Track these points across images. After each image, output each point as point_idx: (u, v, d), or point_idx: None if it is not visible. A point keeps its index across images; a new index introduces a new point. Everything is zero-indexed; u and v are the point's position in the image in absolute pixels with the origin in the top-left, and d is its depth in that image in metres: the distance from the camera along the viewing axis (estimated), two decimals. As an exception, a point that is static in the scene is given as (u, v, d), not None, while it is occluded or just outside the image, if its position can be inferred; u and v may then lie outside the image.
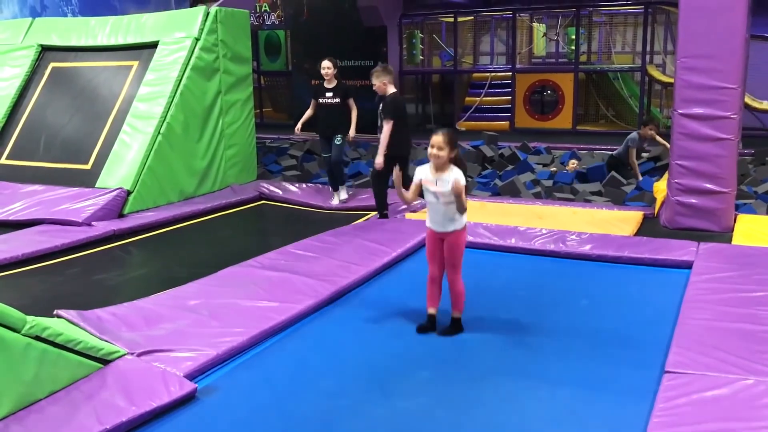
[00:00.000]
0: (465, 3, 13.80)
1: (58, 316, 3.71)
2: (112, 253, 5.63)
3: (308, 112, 7.08)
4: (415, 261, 5.10)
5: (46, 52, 8.25)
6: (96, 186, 6.78)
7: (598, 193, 7.27)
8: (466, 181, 3.81)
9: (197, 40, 7.50)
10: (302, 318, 4.05)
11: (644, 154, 8.79)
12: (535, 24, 14.08)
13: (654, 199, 6.70)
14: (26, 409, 2.89)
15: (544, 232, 5.57)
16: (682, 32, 5.60)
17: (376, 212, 6.43)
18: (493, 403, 3.12)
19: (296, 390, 3.26)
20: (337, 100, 6.84)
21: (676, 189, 5.81)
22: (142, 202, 6.75)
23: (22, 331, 2.89)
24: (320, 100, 6.95)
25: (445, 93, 13.89)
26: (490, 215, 6.17)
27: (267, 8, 14.56)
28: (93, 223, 6.09)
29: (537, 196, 7.23)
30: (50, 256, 5.39)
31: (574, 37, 12.39)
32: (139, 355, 3.37)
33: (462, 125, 13.05)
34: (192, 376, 3.27)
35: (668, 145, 8.11)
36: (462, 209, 3.78)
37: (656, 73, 12.23)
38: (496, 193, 7.33)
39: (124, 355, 3.34)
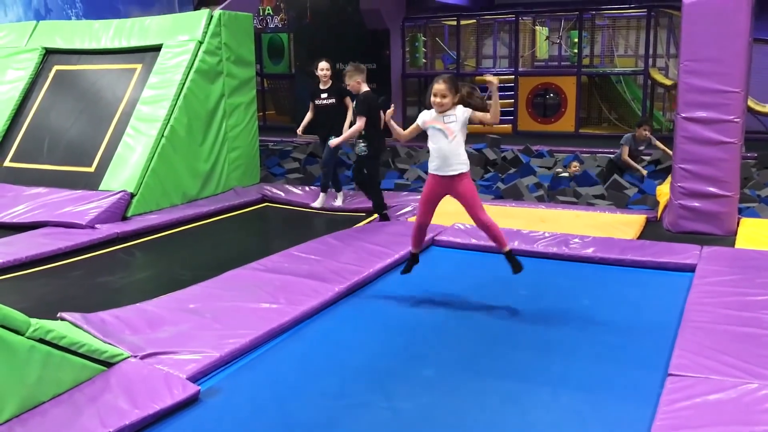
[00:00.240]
0: (468, 6, 13.81)
1: (62, 319, 3.72)
2: (116, 255, 5.64)
3: (308, 115, 7.08)
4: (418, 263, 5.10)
5: (50, 55, 8.27)
6: (99, 189, 6.80)
7: (601, 197, 7.26)
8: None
9: (201, 43, 7.52)
10: (305, 320, 4.06)
11: (645, 158, 8.78)
12: (537, 27, 14.08)
13: (657, 203, 6.70)
14: (30, 412, 2.90)
15: (546, 235, 5.56)
16: (685, 35, 5.59)
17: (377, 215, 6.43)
18: (495, 405, 3.12)
19: (299, 391, 3.26)
20: (333, 100, 6.84)
21: (679, 192, 5.80)
22: (146, 204, 6.76)
23: (26, 334, 2.90)
24: (316, 102, 6.97)
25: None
26: (493, 218, 6.14)
27: (270, 11, 14.60)
28: (96, 225, 6.10)
29: (540, 200, 7.23)
30: (54, 258, 5.40)
31: (576, 40, 12.40)
32: (143, 357, 3.38)
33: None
34: (195, 379, 3.27)
35: (665, 148, 8.13)
36: (496, 113, 4.03)
37: (659, 77, 12.23)
38: (499, 196, 7.33)
39: (128, 357, 3.34)
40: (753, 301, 4.03)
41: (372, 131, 6.16)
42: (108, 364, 3.24)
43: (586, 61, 12.95)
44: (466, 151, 4.20)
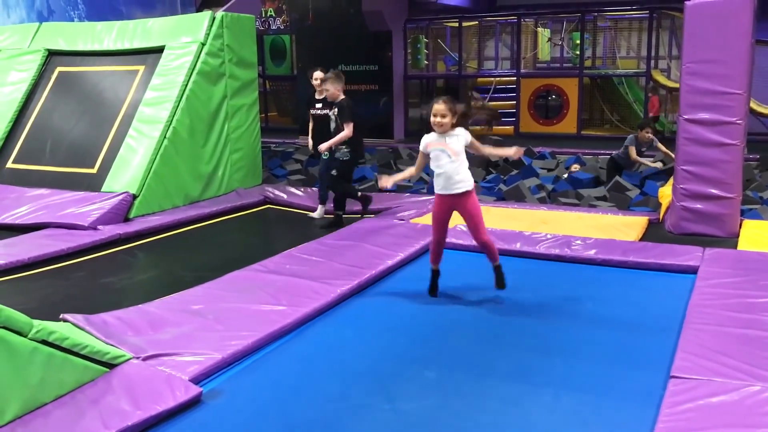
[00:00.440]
0: (470, 7, 13.82)
1: (64, 320, 3.72)
2: (118, 256, 5.65)
3: (311, 125, 7.02)
4: (419, 265, 5.10)
5: (52, 56, 8.29)
6: (102, 190, 6.81)
7: (603, 198, 7.26)
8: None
9: (203, 44, 7.53)
10: (307, 321, 4.06)
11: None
12: (539, 29, 14.10)
13: (659, 205, 6.69)
14: (32, 413, 2.90)
15: (548, 236, 5.56)
16: (687, 37, 5.59)
17: (368, 215, 6.43)
18: (498, 407, 3.11)
19: (301, 393, 3.26)
20: (326, 111, 6.64)
21: (681, 194, 5.80)
22: (148, 206, 6.77)
23: (29, 336, 2.90)
24: (311, 111, 6.94)
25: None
26: (495, 220, 6.16)
27: (272, 13, 14.63)
28: (99, 226, 6.11)
29: (542, 201, 7.23)
30: (56, 259, 5.41)
31: (578, 41, 12.40)
32: (145, 359, 3.38)
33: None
34: (197, 380, 3.28)
35: (667, 150, 8.13)
36: (492, 153, 4.38)
37: (661, 78, 12.22)
38: (501, 198, 7.32)
39: (130, 359, 3.35)
40: (755, 303, 4.03)
41: (355, 137, 6.25)
42: (110, 365, 3.25)
43: (588, 63, 12.96)
44: (468, 153, 4.23)
